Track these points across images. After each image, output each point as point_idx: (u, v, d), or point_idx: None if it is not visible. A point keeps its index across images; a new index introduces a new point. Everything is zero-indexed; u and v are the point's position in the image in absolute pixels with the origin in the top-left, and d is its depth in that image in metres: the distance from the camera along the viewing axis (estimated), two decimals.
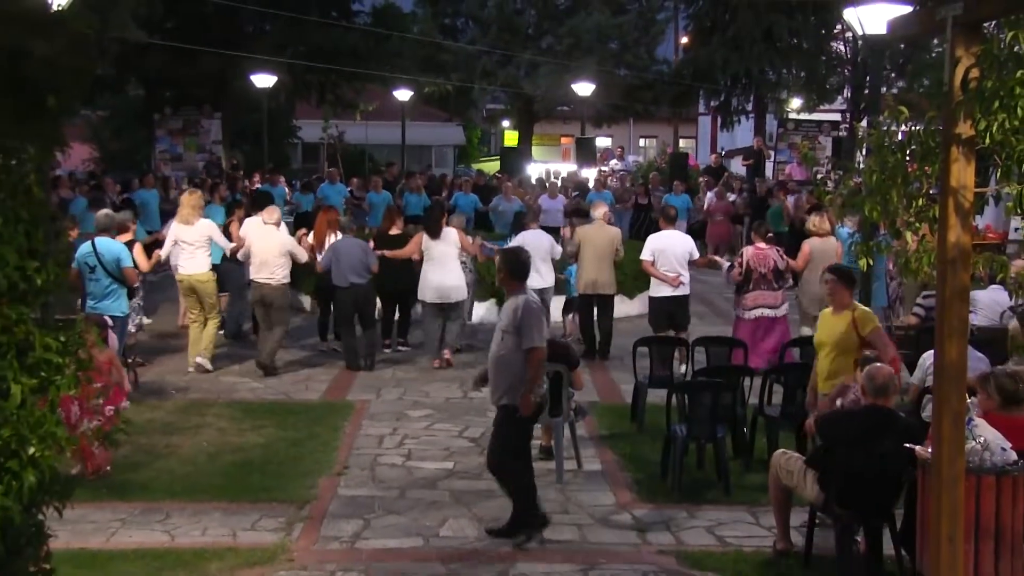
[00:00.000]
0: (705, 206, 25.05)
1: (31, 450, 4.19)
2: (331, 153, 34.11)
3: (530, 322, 7.88)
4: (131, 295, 12.02)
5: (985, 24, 5.45)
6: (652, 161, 42.12)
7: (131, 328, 12.93)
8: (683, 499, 8.94)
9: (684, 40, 41.96)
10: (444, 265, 13.55)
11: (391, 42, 32.96)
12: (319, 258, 13.88)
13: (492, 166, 43.11)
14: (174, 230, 13.39)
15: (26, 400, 4.27)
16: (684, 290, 13.49)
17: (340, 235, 13.93)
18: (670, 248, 13.45)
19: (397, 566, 7.54)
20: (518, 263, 8.21)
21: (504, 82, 39.32)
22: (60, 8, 5.13)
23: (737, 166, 34.91)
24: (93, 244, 11.51)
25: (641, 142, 58.06)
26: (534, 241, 13.79)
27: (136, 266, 12.34)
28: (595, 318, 14.31)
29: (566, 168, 38.18)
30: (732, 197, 25.48)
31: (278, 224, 13.59)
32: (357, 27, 32.02)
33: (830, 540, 7.49)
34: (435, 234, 13.61)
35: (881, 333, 8.50)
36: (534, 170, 37.33)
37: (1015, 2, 5.13)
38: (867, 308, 8.79)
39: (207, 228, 13.39)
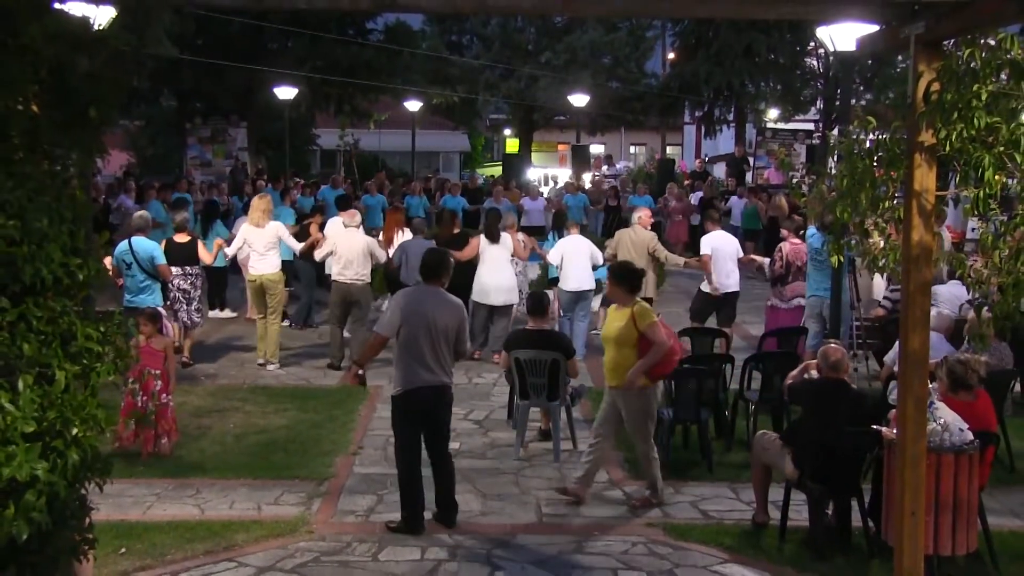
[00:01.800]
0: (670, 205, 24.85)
1: (74, 431, 4.21)
2: (347, 159, 34.09)
3: (388, 309, 7.79)
4: (164, 290, 12.02)
5: (945, 42, 5.46)
6: (642, 167, 42.13)
7: (198, 321, 13.05)
8: (670, 476, 8.91)
9: (671, 55, 41.89)
10: (498, 268, 13.36)
11: (402, 57, 32.91)
12: (390, 253, 13.75)
13: (495, 171, 43.17)
14: (244, 231, 13.19)
15: (69, 385, 4.29)
16: (735, 287, 13.24)
17: (409, 234, 13.82)
18: (724, 246, 13.27)
19: (408, 537, 7.55)
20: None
21: (506, 94, 39.39)
22: (101, 27, 5.14)
23: (720, 171, 34.93)
24: (130, 243, 11.54)
25: (632, 149, 58.11)
26: (573, 247, 13.57)
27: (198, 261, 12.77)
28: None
29: (563, 173, 38.32)
30: (697, 196, 25.56)
31: (359, 226, 13.35)
32: (371, 44, 31.96)
33: (804, 513, 7.52)
34: (493, 238, 13.51)
35: (656, 328, 8.10)
36: (533, 174, 37.46)
37: (971, 22, 5.15)
38: (646, 305, 8.34)
39: (277, 230, 13.16)
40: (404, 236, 14.21)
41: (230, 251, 13.50)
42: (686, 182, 29.31)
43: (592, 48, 38.12)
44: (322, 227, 14.42)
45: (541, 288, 14.41)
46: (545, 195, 27.51)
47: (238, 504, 8.20)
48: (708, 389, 9.51)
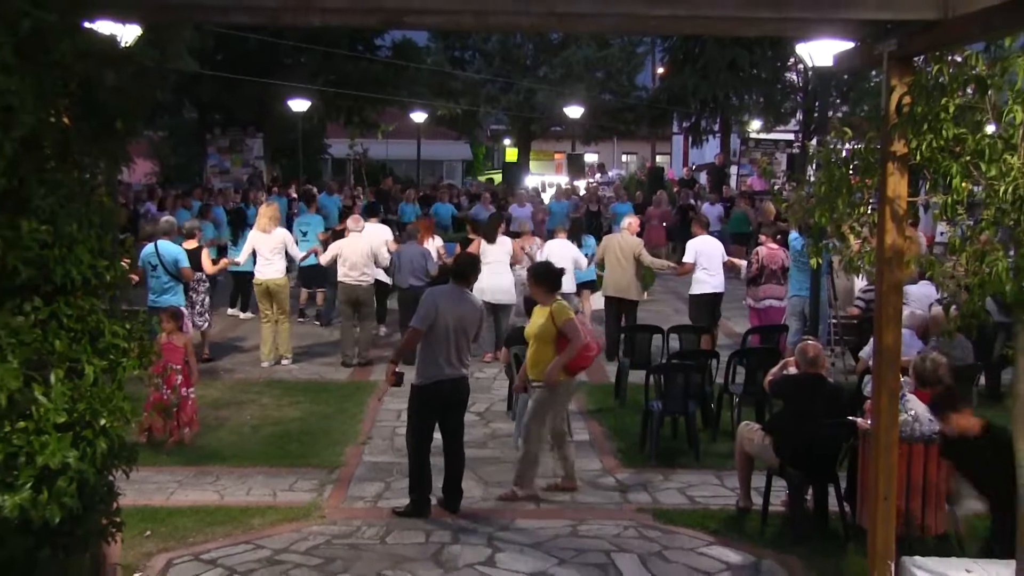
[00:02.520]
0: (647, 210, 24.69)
1: (102, 421, 4.22)
2: (356, 168, 34.13)
3: (423, 305, 7.77)
4: (186, 291, 12.00)
5: (915, 58, 5.48)
6: (633, 174, 42.19)
7: (201, 324, 12.88)
8: (659, 465, 8.95)
9: (660, 70, 41.88)
10: (497, 270, 13.13)
11: (408, 72, 33.01)
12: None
13: (495, 178, 43.22)
14: (252, 238, 13.13)
15: (98, 379, 4.30)
16: (722, 287, 13.16)
17: (439, 240, 13.75)
18: (709, 250, 13.16)
19: (413, 521, 7.56)
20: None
21: (506, 106, 39.45)
22: (127, 44, 5.17)
23: (705, 178, 34.99)
24: (156, 246, 11.52)
25: (623, 157, 58.07)
26: (559, 250, 13.41)
27: (201, 268, 12.45)
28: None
29: (560, 180, 38.35)
30: (695, 202, 25.57)
31: (362, 231, 13.24)
32: (379, 59, 32.03)
33: (784, 498, 7.53)
34: (491, 240, 13.42)
35: (573, 324, 7.94)
36: (531, 181, 37.53)
37: (939, 41, 5.17)
38: (564, 303, 8.23)
39: (282, 236, 13.07)
40: (436, 241, 14.10)
41: (241, 257, 13.48)
42: (675, 189, 29.31)
43: (586, 63, 38.19)
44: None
45: None
46: (547, 200, 27.60)
47: (255, 490, 8.22)
48: (695, 383, 9.52)
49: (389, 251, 13.46)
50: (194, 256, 12.55)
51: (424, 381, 7.71)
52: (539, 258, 13.60)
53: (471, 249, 13.35)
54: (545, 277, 8.29)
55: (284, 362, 12.90)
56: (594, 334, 8.56)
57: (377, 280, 13.44)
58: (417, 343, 7.77)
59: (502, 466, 8.88)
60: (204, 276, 12.88)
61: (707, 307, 13.05)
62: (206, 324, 13.08)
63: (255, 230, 13.17)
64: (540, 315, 8.20)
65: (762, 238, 13.09)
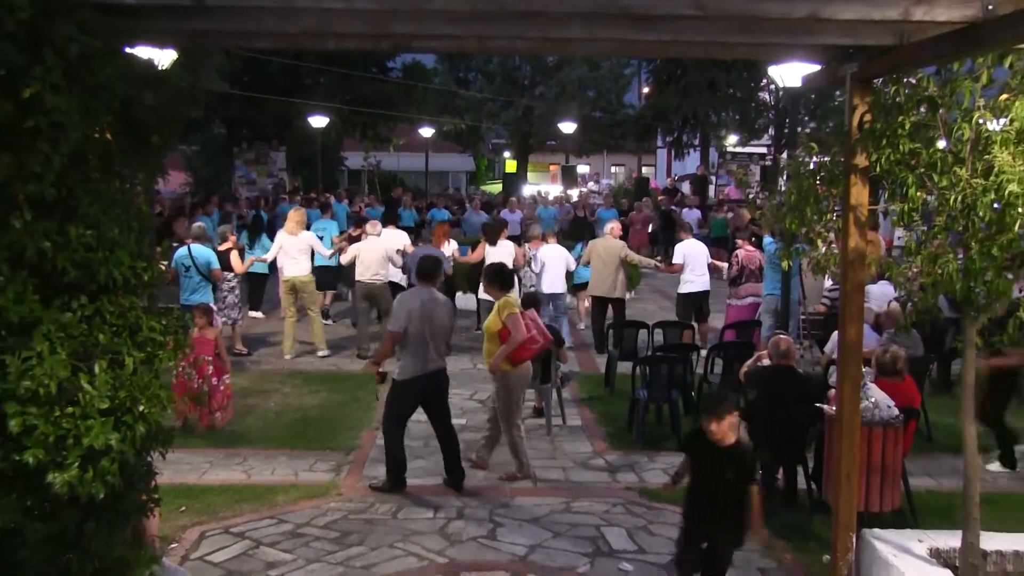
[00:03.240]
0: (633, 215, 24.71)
1: (141, 407, 4.23)
2: (370, 178, 34.15)
3: (395, 310, 7.76)
4: (215, 290, 12.01)
5: (875, 80, 5.51)
6: (621, 184, 42.22)
7: (237, 318, 12.88)
8: (645, 447, 8.99)
9: (646, 89, 41.89)
10: None
11: (417, 91, 33.02)
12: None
13: (496, 187, 43.19)
14: (280, 239, 13.15)
15: (137, 369, 4.32)
16: (707, 286, 13.15)
17: (455, 243, 13.75)
18: (695, 253, 13.18)
19: (422, 499, 7.60)
20: (420, 266, 8.17)
21: (506, 122, 39.43)
22: (163, 67, 5.19)
23: (687, 188, 34.99)
24: (189, 249, 11.55)
25: (612, 168, 58.06)
26: (552, 254, 13.36)
27: (231, 268, 12.43)
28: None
29: (554, 189, 38.40)
30: (676, 209, 25.68)
31: (379, 235, 13.24)
32: (391, 80, 32.07)
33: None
34: (493, 243, 13.41)
35: (515, 319, 7.91)
36: (529, 190, 37.56)
37: (896, 64, 5.20)
38: (512, 299, 8.21)
39: (308, 239, 13.14)
40: (451, 245, 14.10)
41: (269, 256, 13.52)
42: (659, 197, 29.36)
43: (579, 83, 38.21)
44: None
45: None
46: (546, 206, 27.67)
47: (279, 470, 8.25)
48: (678, 374, 9.56)
49: (405, 253, 13.47)
50: (224, 257, 12.60)
51: (404, 377, 7.72)
52: (535, 261, 13.66)
53: (476, 252, 13.40)
54: (496, 277, 8.32)
55: (320, 353, 12.89)
56: (544, 330, 8.57)
57: (391, 282, 13.47)
58: (395, 345, 7.78)
59: (501, 449, 8.89)
60: (229, 276, 12.90)
61: (694, 305, 13.10)
62: (238, 318, 13.09)
63: (283, 232, 13.21)
64: (494, 310, 8.24)
65: (739, 241, 13.13)
